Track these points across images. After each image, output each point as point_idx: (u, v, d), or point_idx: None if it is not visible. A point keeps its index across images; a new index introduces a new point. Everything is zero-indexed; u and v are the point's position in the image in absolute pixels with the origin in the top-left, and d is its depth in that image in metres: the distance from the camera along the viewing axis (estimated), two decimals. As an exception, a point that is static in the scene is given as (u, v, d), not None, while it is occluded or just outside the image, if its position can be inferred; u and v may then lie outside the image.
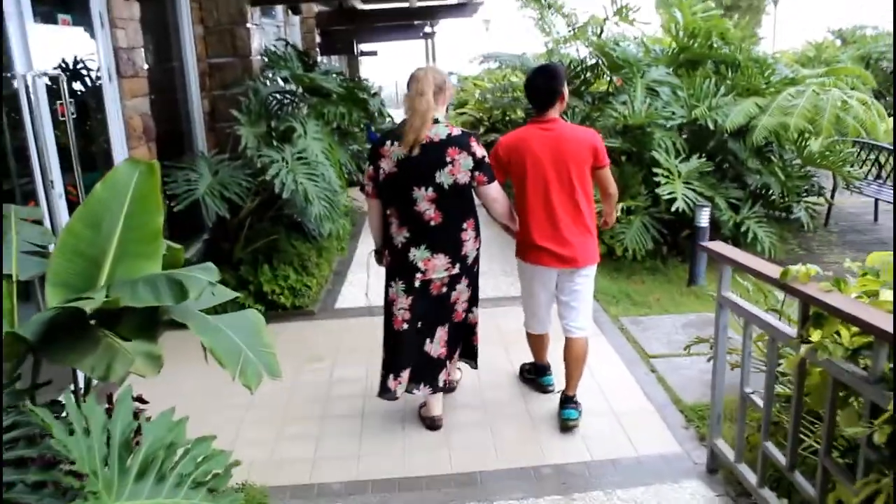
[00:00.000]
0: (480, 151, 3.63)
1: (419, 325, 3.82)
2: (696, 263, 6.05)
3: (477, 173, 3.61)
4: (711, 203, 6.17)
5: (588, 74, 8.11)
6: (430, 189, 3.57)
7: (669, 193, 6.04)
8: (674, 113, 6.61)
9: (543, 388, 4.32)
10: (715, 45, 7.24)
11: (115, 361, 2.26)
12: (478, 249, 3.85)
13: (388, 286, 3.86)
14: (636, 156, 6.90)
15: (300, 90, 6.81)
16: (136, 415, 2.94)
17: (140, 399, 3.20)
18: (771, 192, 6.87)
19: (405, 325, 3.81)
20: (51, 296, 2.64)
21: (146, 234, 2.87)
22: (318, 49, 13.55)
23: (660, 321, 5.38)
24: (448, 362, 3.98)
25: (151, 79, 7.76)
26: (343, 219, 5.75)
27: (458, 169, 3.56)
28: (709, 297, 5.79)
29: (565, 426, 3.87)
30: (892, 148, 8.23)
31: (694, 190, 6.17)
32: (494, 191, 3.72)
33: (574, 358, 3.92)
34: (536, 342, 4.26)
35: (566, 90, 3.79)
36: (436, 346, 3.89)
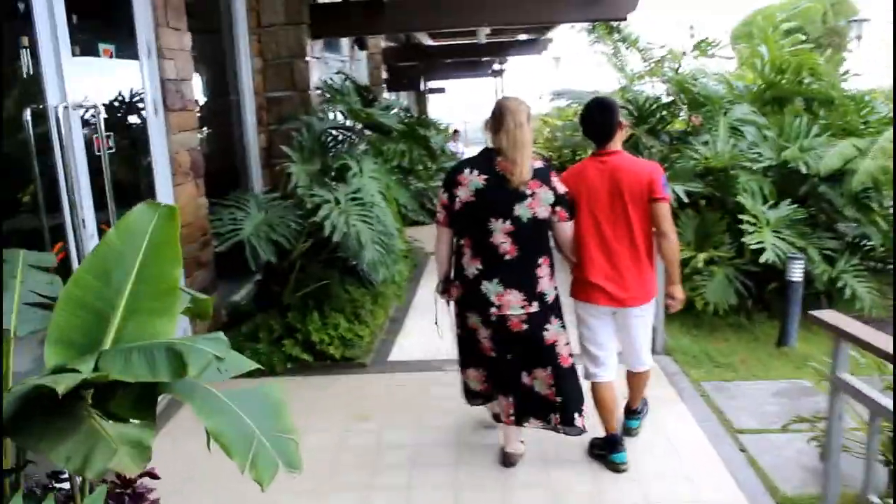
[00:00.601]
0: (562, 187, 3.53)
1: (509, 357, 3.62)
2: (787, 322, 5.43)
3: (559, 209, 3.51)
4: (804, 254, 5.57)
5: (664, 113, 7.58)
6: (508, 222, 3.43)
7: (758, 243, 5.46)
8: (761, 154, 6.05)
9: (615, 467, 3.73)
10: (805, 82, 6.65)
11: (94, 452, 1.86)
12: (556, 288, 3.64)
13: (464, 315, 3.69)
14: (718, 201, 6.35)
15: (358, 126, 6.48)
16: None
17: (151, 475, 2.82)
18: (869, 242, 6.24)
19: (493, 353, 3.65)
20: (50, 355, 2.28)
21: (161, 287, 2.51)
22: (384, 85, 13.35)
23: (748, 388, 4.78)
24: (572, 410, 3.67)
25: (206, 113, 7.56)
26: (399, 263, 5.33)
27: (538, 203, 3.44)
28: (802, 362, 5.18)
29: (629, 433, 3.97)
30: None
31: (784, 239, 5.57)
32: (570, 228, 3.62)
33: (636, 385, 3.98)
34: (602, 397, 3.77)
35: (624, 120, 3.70)
36: (540, 384, 3.66)
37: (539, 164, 3.53)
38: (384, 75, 13.40)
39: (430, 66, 16.16)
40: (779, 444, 3.99)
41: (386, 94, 13.55)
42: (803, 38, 7.00)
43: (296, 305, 5.47)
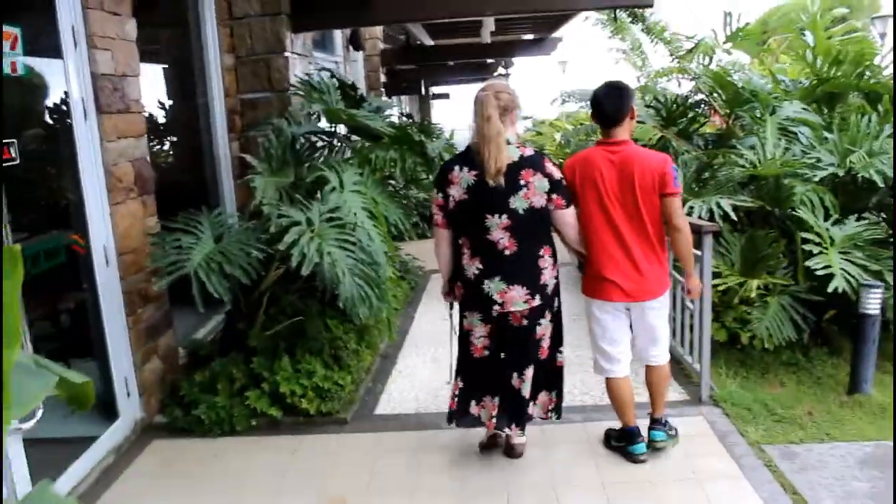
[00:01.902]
0: (557, 173, 3.43)
1: (502, 356, 3.55)
2: (861, 364, 4.43)
3: (555, 196, 3.41)
4: (880, 279, 4.59)
5: (692, 113, 6.59)
6: (505, 216, 3.34)
7: (825, 267, 4.49)
8: (819, 160, 5.07)
9: (634, 458, 3.71)
10: (866, 75, 5.67)
11: None
12: (556, 278, 3.57)
13: (462, 316, 3.66)
14: (764, 217, 5.38)
15: (342, 131, 5.55)
16: None
17: None
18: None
19: (486, 353, 3.59)
20: None
21: (-11, 376, 1.55)
22: (383, 89, 12.45)
23: (824, 454, 3.78)
24: (531, 403, 3.69)
25: (170, 118, 6.64)
26: (387, 298, 4.36)
27: (534, 192, 3.35)
28: (883, 414, 4.22)
29: (652, 447, 3.72)
30: None
31: (854, 262, 4.60)
32: (570, 216, 3.52)
33: (656, 382, 3.78)
34: (618, 392, 3.75)
35: (635, 108, 3.56)
36: (526, 385, 3.56)
37: (530, 151, 3.41)
38: (383, 79, 12.49)
39: (432, 69, 15.29)
40: (881, 542, 3.04)
41: (385, 99, 12.63)
42: (858, 24, 6.03)
43: (263, 348, 4.52)
